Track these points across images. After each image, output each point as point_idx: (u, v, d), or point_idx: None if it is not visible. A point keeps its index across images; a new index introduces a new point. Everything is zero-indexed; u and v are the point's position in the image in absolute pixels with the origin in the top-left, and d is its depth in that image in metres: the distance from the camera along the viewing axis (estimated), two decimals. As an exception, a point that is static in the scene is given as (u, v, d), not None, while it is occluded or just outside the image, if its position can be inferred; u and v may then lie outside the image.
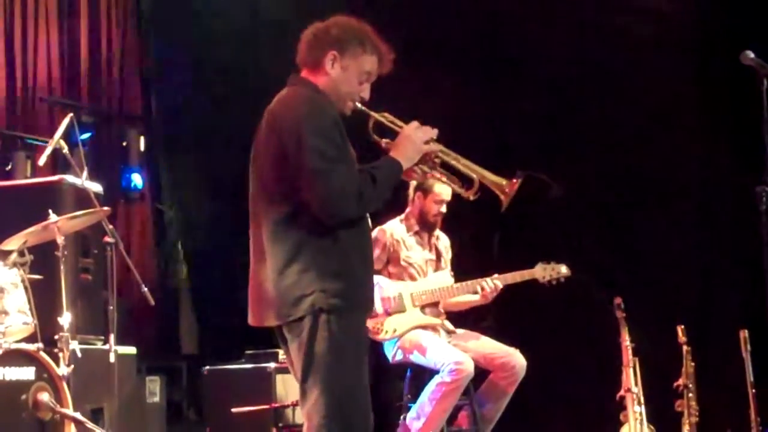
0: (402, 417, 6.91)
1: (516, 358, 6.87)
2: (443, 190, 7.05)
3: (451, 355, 6.72)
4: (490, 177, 4.51)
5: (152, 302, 6.50)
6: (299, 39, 4.46)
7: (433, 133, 4.46)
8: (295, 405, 7.77)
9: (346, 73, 4.39)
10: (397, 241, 7.16)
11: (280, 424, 7.68)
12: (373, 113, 4.51)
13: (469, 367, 6.67)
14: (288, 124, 4.23)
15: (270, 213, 4.29)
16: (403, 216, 7.26)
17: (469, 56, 9.24)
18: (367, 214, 4.43)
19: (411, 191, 7.20)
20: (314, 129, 4.19)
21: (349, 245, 4.28)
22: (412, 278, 7.14)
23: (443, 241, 7.33)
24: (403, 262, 7.14)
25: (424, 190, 7.11)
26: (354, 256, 4.29)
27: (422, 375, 6.89)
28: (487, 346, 6.97)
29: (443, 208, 7.12)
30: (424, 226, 7.20)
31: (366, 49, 4.40)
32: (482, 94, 9.10)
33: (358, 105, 4.46)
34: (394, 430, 7.00)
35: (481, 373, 6.89)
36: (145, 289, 6.48)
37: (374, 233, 7.12)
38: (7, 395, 5.83)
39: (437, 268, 7.24)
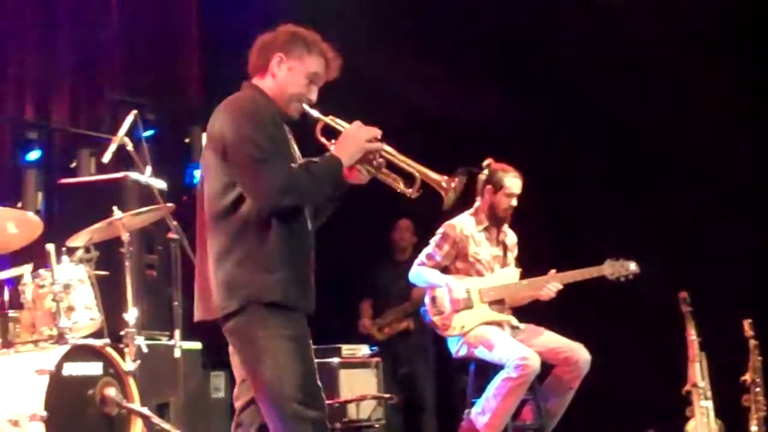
0: (467, 412, 6.90)
1: (580, 353, 6.83)
2: (514, 183, 7.05)
3: (517, 350, 6.69)
4: (431, 175, 4.48)
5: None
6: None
7: (376, 132, 4.45)
8: (360, 400, 7.79)
9: (291, 73, 4.45)
10: (466, 236, 7.14)
11: (344, 419, 7.69)
12: (320, 116, 4.51)
13: (535, 363, 6.65)
14: (227, 121, 4.30)
15: (210, 208, 4.33)
16: (472, 210, 7.23)
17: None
18: (307, 213, 4.44)
19: (480, 185, 7.17)
20: (251, 123, 4.26)
21: (285, 241, 4.29)
22: (479, 274, 7.12)
23: (511, 237, 7.30)
24: (471, 258, 7.13)
25: (494, 184, 7.10)
26: (289, 252, 4.30)
27: (486, 370, 6.86)
28: (552, 340, 6.93)
29: (514, 202, 7.10)
30: (494, 221, 7.17)
31: (311, 51, 4.46)
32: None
33: (306, 107, 4.48)
34: (458, 425, 6.98)
35: (546, 368, 6.85)
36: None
37: (443, 228, 7.14)
38: (74, 390, 5.87)
39: (503, 264, 7.22)
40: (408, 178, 4.55)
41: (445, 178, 4.46)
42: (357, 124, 4.48)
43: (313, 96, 4.50)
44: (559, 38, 9.22)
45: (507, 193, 7.09)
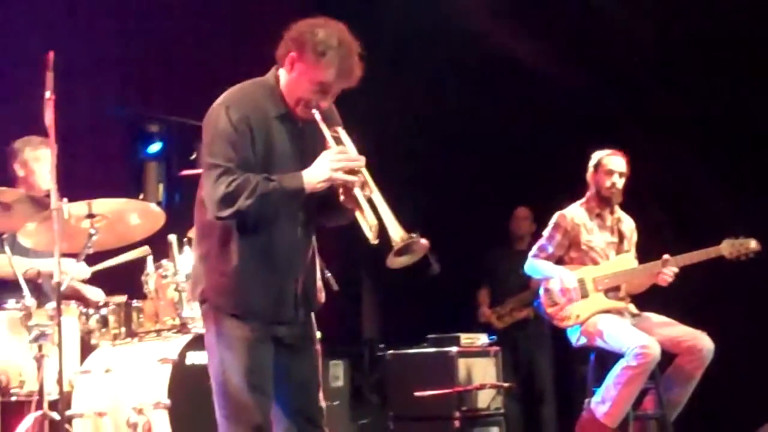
0: (587, 401, 6.85)
1: (703, 341, 6.73)
2: (612, 160, 7.04)
3: (637, 338, 6.62)
4: (391, 225, 4.18)
5: (336, 288, 6.54)
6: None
7: (352, 164, 4.21)
8: (479, 388, 7.78)
9: (300, 77, 4.25)
10: (578, 225, 7.11)
11: (464, 408, 7.70)
12: (323, 127, 4.27)
13: (656, 351, 6.56)
14: (206, 117, 4.31)
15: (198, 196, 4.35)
16: (583, 200, 7.20)
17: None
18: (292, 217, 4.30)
19: (588, 170, 7.15)
20: (214, 128, 4.21)
21: (249, 247, 4.21)
22: (594, 262, 7.07)
23: (627, 223, 7.23)
24: (584, 246, 7.08)
25: (595, 165, 7.12)
26: (253, 259, 4.22)
27: (606, 359, 6.80)
28: (673, 329, 6.84)
29: (615, 179, 7.05)
30: (603, 204, 7.13)
31: (323, 59, 4.19)
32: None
33: (315, 113, 4.26)
34: (578, 415, 6.93)
35: (668, 357, 6.76)
36: (329, 274, 6.53)
37: (555, 218, 7.12)
38: (196, 379, 5.90)
39: (619, 251, 7.15)
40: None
41: (401, 235, 4.17)
42: (335, 150, 4.25)
43: (324, 102, 4.29)
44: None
45: (606, 170, 7.07)
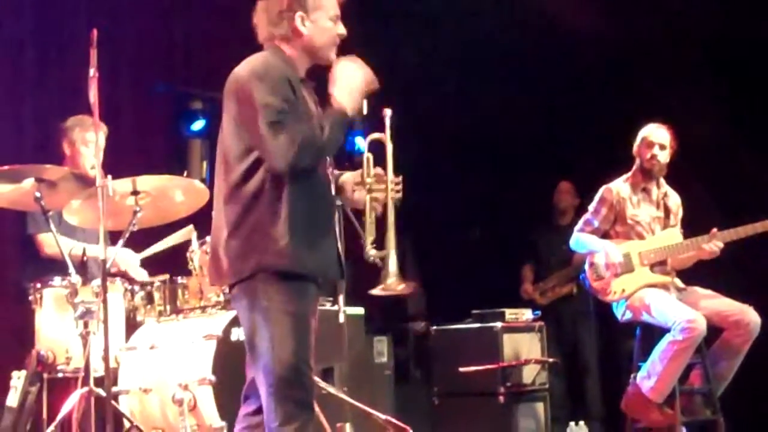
0: (633, 376, 6.82)
1: (750, 315, 6.67)
2: (653, 132, 7.04)
3: (683, 312, 6.57)
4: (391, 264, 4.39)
5: (380, 264, 6.52)
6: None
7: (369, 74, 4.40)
8: (523, 364, 7.76)
9: (317, 25, 4.39)
10: (623, 198, 7.07)
11: (508, 383, 7.68)
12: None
13: (702, 325, 6.51)
14: (239, 85, 4.26)
15: (227, 175, 4.30)
16: (629, 174, 7.16)
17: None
18: (325, 180, 4.40)
19: (634, 146, 7.11)
20: (262, 85, 4.19)
21: (299, 207, 4.22)
22: (640, 236, 7.02)
23: (673, 198, 7.18)
24: (629, 221, 7.04)
25: (640, 138, 7.08)
26: (303, 218, 4.23)
27: (653, 334, 6.76)
28: (720, 303, 6.79)
29: (657, 151, 7.00)
30: (648, 178, 7.09)
31: None
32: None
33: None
34: (625, 389, 6.89)
35: (714, 331, 6.70)
36: (374, 251, 6.51)
37: (601, 192, 7.09)
38: (241, 355, 5.93)
39: (665, 226, 7.10)
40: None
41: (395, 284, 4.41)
42: (350, 65, 4.39)
43: (342, 30, 4.46)
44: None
45: (647, 142, 7.04)
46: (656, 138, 7.02)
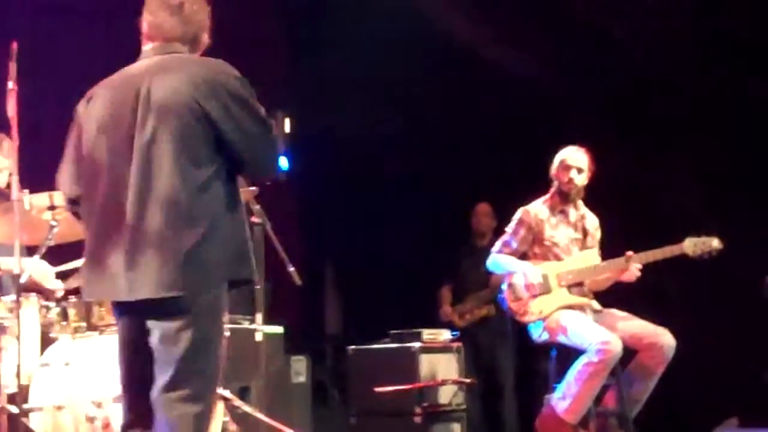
0: (547, 397, 6.84)
1: (665, 338, 6.72)
2: (568, 155, 7.08)
3: (599, 334, 6.61)
4: None
5: (298, 282, 6.51)
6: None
7: None
8: (440, 384, 7.75)
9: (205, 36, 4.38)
10: (541, 220, 7.11)
11: (425, 404, 7.66)
12: None
13: (617, 347, 6.55)
14: (223, 85, 4.09)
15: (178, 179, 3.99)
16: (547, 196, 7.20)
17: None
18: None
19: (552, 169, 7.15)
20: (251, 92, 4.15)
21: (242, 215, 4.18)
22: (557, 258, 7.06)
23: (591, 220, 7.22)
24: (547, 242, 7.07)
25: (557, 161, 7.13)
26: (244, 225, 4.17)
27: (569, 355, 6.78)
28: (635, 325, 6.83)
29: (574, 174, 7.03)
30: (565, 200, 7.13)
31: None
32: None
33: None
34: (539, 411, 6.91)
35: (630, 353, 6.75)
36: (292, 268, 6.50)
37: (519, 214, 7.12)
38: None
39: (583, 247, 7.14)
40: None
41: None
42: None
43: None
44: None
45: (565, 165, 7.07)
46: (573, 161, 7.06)
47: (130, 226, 4.00)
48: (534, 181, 7.32)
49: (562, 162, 7.09)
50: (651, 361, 6.73)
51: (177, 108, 4.04)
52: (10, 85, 5.21)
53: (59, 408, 5.82)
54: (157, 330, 4.03)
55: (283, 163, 9.91)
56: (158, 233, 3.97)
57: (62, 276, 6.36)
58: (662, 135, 8.87)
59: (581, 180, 7.06)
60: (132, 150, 4.05)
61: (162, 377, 4.00)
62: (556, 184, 7.14)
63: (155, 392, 4.01)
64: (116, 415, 5.52)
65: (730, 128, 8.57)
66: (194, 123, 4.04)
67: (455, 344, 8.10)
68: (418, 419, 7.60)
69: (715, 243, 6.80)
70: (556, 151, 7.18)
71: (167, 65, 4.19)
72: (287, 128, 10.03)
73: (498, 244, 7.21)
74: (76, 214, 4.42)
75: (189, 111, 4.04)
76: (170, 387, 3.97)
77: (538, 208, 7.15)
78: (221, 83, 4.11)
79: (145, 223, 3.98)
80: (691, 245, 6.79)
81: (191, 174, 4.01)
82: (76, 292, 6.25)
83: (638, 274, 6.85)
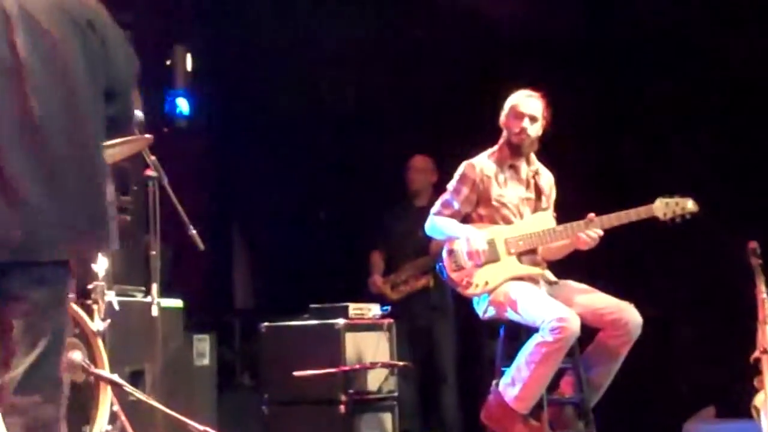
0: (494, 383, 6.86)
1: (629, 314, 6.75)
2: (520, 101, 7.04)
3: (554, 310, 6.63)
4: None
5: (201, 247, 6.48)
6: None
7: None
8: (369, 368, 7.77)
9: None
10: (488, 177, 7.07)
11: (351, 390, 7.66)
12: None
13: (575, 325, 6.58)
14: (104, 15, 4.22)
15: (85, 109, 4.10)
16: (495, 148, 7.17)
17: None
18: None
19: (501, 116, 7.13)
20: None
21: None
22: (506, 221, 7.06)
23: (546, 177, 7.22)
24: (494, 202, 7.06)
25: (507, 107, 7.09)
26: None
27: (519, 334, 6.81)
28: (596, 299, 6.86)
29: (526, 124, 7.00)
30: (516, 153, 7.10)
31: None
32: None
33: None
34: (485, 398, 6.94)
35: (589, 332, 6.80)
36: (194, 231, 6.46)
37: (461, 169, 7.09)
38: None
39: (536, 209, 7.15)
40: None
41: None
42: None
43: None
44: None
45: (516, 112, 7.02)
46: (526, 108, 7.01)
47: None
48: (483, 129, 7.32)
49: (512, 108, 7.05)
50: (614, 341, 6.77)
51: None
52: None
53: None
54: None
55: (184, 106, 9.98)
56: None
57: None
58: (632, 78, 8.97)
59: (534, 130, 7.04)
60: None
61: None
62: (505, 134, 7.11)
63: None
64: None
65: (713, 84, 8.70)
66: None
67: (386, 321, 8.11)
68: (342, 408, 7.61)
69: (690, 205, 6.84)
70: (506, 96, 7.15)
71: None
72: (189, 65, 10.05)
73: (437, 205, 7.19)
74: None
75: None
76: None
77: (484, 163, 7.12)
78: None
79: None
80: (662, 207, 6.82)
81: None
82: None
83: (597, 239, 6.87)
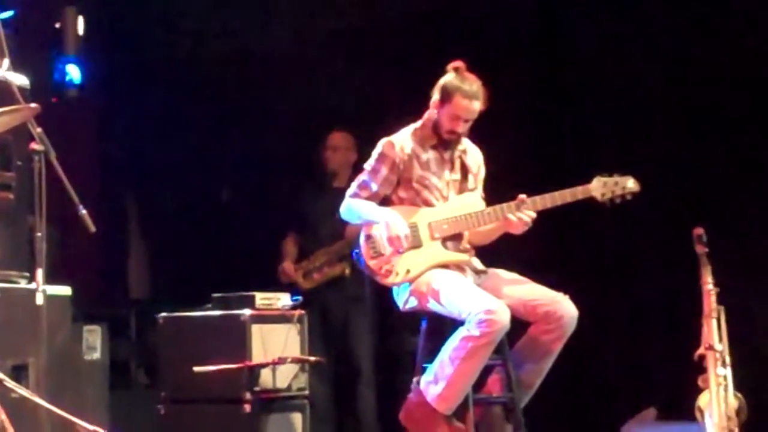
0: (415, 380, 6.86)
1: (564, 307, 6.78)
2: (463, 105, 6.91)
3: (481, 301, 6.62)
4: None
5: (92, 229, 6.42)
6: None
7: None
8: (277, 363, 7.76)
9: None
10: (409, 156, 7.04)
11: (257, 388, 7.66)
12: None
13: (504, 318, 6.58)
14: None
15: None
16: (418, 124, 7.13)
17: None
18: None
19: (435, 92, 7.05)
20: None
21: None
22: (429, 204, 7.05)
23: (473, 155, 7.21)
24: (416, 184, 7.05)
25: (443, 95, 6.97)
26: None
27: (442, 327, 6.82)
28: (527, 290, 6.88)
29: (461, 127, 6.99)
30: (440, 139, 7.08)
31: None
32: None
33: None
34: (405, 396, 6.94)
35: (520, 325, 6.82)
36: (84, 212, 6.40)
37: (380, 147, 7.07)
38: None
39: (462, 190, 7.15)
40: None
41: None
42: None
43: None
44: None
45: (454, 114, 6.95)
46: (465, 113, 6.92)
47: None
48: (410, 101, 7.29)
49: (452, 108, 6.92)
50: (547, 336, 6.79)
51: None
52: None
53: None
54: None
55: (74, 73, 9.90)
56: None
57: None
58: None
59: (466, 128, 7.02)
60: None
61: None
62: (434, 114, 7.07)
63: None
64: None
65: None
66: None
67: (297, 312, 8.10)
68: (247, 408, 7.59)
69: (630, 184, 6.86)
70: (439, 70, 7.09)
71: None
72: (80, 29, 9.98)
73: (353, 186, 7.16)
74: None
75: None
76: None
77: (405, 141, 7.08)
78: None
79: None
80: (599, 186, 6.84)
81: None
82: None
83: (529, 222, 6.87)
